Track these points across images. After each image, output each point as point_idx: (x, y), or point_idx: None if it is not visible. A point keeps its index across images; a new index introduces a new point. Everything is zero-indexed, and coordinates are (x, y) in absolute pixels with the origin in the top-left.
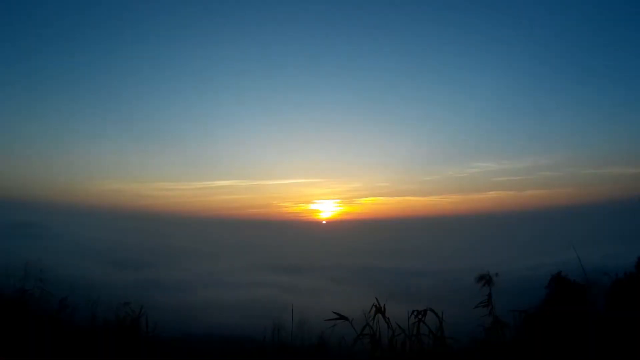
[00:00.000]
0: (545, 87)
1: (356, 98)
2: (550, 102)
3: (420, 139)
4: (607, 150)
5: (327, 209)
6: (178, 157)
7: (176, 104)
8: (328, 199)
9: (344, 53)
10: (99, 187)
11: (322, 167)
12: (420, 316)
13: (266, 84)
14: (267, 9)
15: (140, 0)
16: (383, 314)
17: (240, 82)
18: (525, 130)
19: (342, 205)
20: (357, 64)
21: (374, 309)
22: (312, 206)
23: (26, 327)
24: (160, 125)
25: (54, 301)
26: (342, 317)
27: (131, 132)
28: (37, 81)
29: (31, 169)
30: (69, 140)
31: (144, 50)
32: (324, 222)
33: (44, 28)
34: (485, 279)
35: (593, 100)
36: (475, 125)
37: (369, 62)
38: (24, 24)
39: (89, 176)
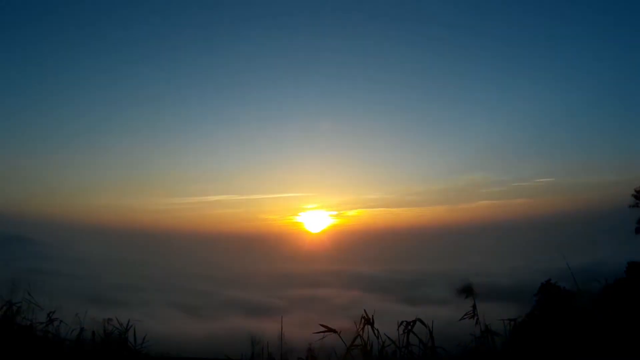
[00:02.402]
0: (533, 97)
1: (347, 112)
2: (539, 113)
3: (410, 151)
4: (595, 159)
5: (317, 221)
6: (172, 172)
7: (170, 121)
8: (318, 211)
9: (335, 67)
10: (92, 202)
11: (313, 181)
12: (409, 327)
13: (256, 98)
14: (261, 23)
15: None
16: (372, 325)
17: (230, 97)
18: (513, 142)
19: (332, 217)
20: (348, 79)
21: (362, 320)
22: (302, 219)
23: (13, 340)
24: (156, 142)
25: (41, 314)
26: (330, 329)
27: (125, 148)
28: (37, 92)
29: (24, 183)
30: (62, 155)
31: (146, 64)
32: (314, 234)
33: (43, 39)
34: (467, 291)
35: (580, 110)
36: (465, 138)
37: (359, 78)
38: (23, 34)
39: (82, 191)
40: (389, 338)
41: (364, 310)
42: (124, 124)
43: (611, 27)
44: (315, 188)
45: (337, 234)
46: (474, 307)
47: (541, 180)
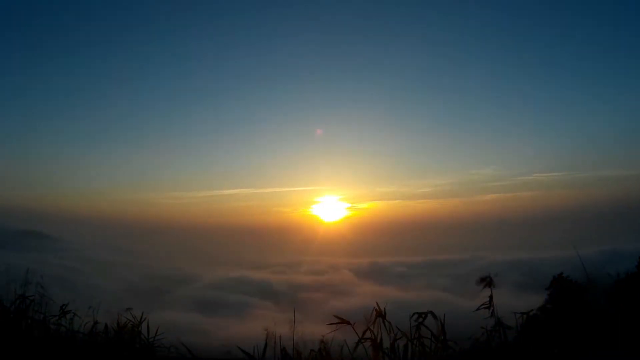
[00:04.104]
0: (540, 90)
1: (359, 107)
2: (545, 105)
3: (420, 144)
4: (606, 152)
5: (330, 213)
6: (188, 166)
7: (185, 113)
8: (331, 203)
9: (346, 60)
10: (107, 197)
11: (326, 174)
12: (421, 319)
13: (270, 90)
14: (269, 15)
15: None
16: (384, 317)
17: (245, 89)
18: (522, 134)
19: (346, 210)
20: (357, 72)
21: (374, 312)
22: (315, 211)
23: (26, 333)
24: (171, 135)
25: (55, 308)
26: (343, 321)
27: (141, 141)
28: (47, 89)
29: (38, 177)
30: (77, 149)
31: (152, 60)
32: (327, 225)
33: (48, 34)
34: (486, 281)
35: (587, 102)
36: (473, 131)
37: (374, 72)
38: (26, 30)
39: (98, 186)
40: (400, 330)
41: (376, 302)
42: (140, 120)
43: (632, 15)
44: (328, 182)
45: (351, 225)
46: (491, 297)
47: (552, 173)
